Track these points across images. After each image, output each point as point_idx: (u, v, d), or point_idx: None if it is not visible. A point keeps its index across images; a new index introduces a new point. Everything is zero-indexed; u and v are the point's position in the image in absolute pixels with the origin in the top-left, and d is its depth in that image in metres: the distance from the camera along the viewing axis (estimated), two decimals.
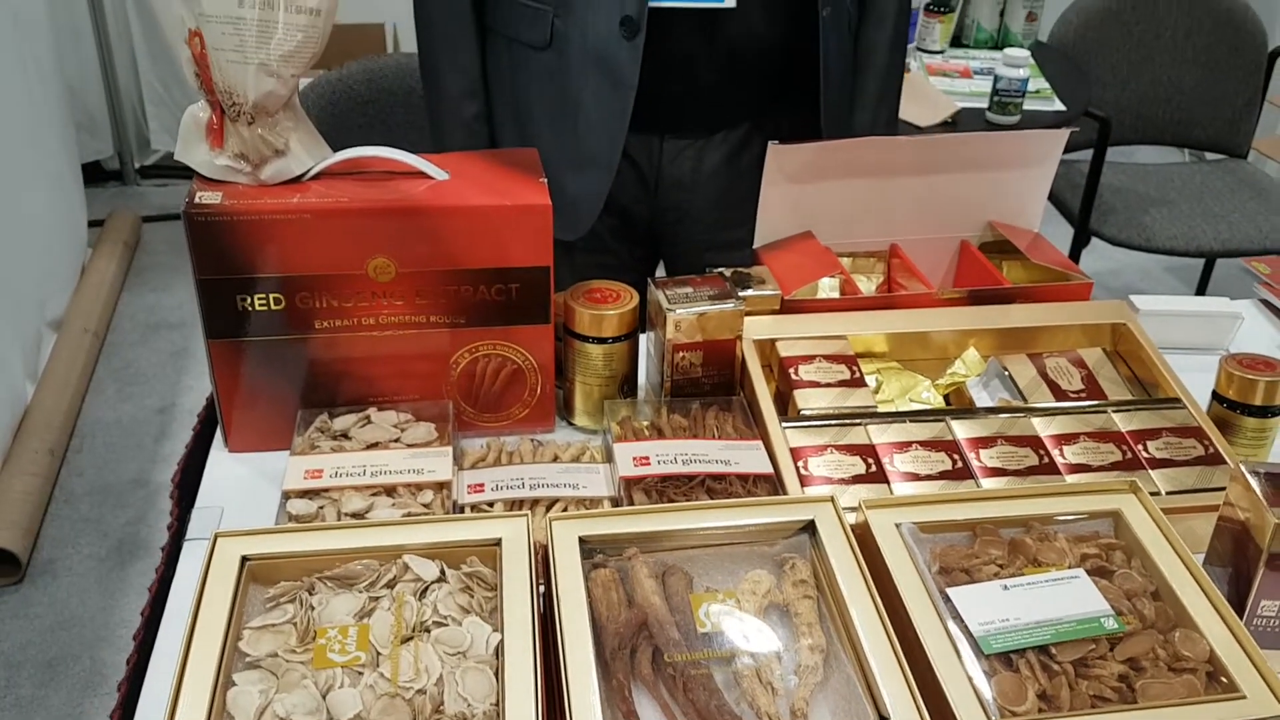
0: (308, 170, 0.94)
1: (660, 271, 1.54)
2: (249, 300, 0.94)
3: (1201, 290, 2.70)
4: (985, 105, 1.98)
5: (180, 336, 2.70)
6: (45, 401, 2.27)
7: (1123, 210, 2.30)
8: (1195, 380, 1.04)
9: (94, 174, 3.26)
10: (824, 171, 1.16)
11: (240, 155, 0.91)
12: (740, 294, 1.05)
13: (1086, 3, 2.40)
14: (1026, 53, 1.91)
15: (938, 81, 2.09)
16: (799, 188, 1.17)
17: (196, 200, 0.90)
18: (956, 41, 2.28)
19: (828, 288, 1.16)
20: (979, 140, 1.16)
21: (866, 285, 1.23)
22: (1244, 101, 2.47)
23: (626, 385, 1.07)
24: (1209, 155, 2.65)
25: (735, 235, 1.34)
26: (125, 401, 2.47)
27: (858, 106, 1.35)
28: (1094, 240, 2.31)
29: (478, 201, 0.95)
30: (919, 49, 2.21)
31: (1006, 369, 1.06)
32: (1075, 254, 2.32)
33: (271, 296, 0.94)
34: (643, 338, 1.09)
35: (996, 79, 1.91)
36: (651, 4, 1.18)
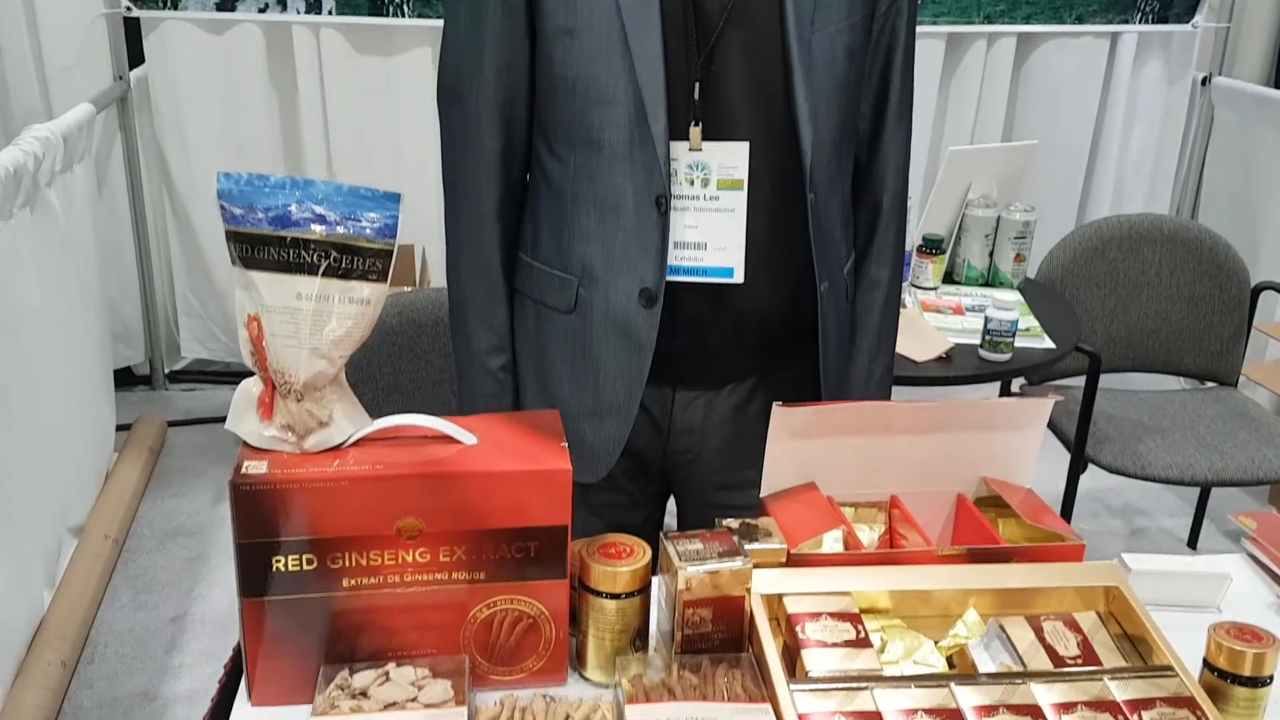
0: (348, 437, 1.02)
1: (671, 506, 1.60)
2: (283, 561, 0.99)
3: (1200, 511, 2.74)
4: (978, 341, 2.08)
5: (197, 543, 2.74)
6: (61, 611, 2.30)
7: (1117, 438, 2.37)
8: (1188, 640, 1.08)
9: (124, 378, 3.38)
10: (825, 429, 1.24)
11: (287, 427, 0.99)
12: (748, 548, 1.11)
13: (1071, 242, 2.55)
14: (1015, 296, 2.03)
15: (932, 318, 2.21)
16: (802, 444, 1.24)
17: (243, 470, 0.97)
18: (949, 278, 2.42)
19: (831, 541, 1.22)
20: (968, 406, 1.24)
21: (869, 535, 1.28)
22: (1230, 332, 2.58)
23: (639, 638, 1.12)
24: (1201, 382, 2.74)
25: (743, 476, 1.41)
26: (139, 610, 2.49)
27: (855, 363, 1.45)
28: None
29: (503, 467, 1.02)
30: (913, 285, 2.35)
31: (1005, 630, 1.10)
32: (1073, 479, 2.38)
33: (304, 557, 1.00)
34: (654, 580, 1.14)
35: (987, 320, 2.02)
36: (668, 278, 1.29)
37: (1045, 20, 3.26)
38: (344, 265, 0.96)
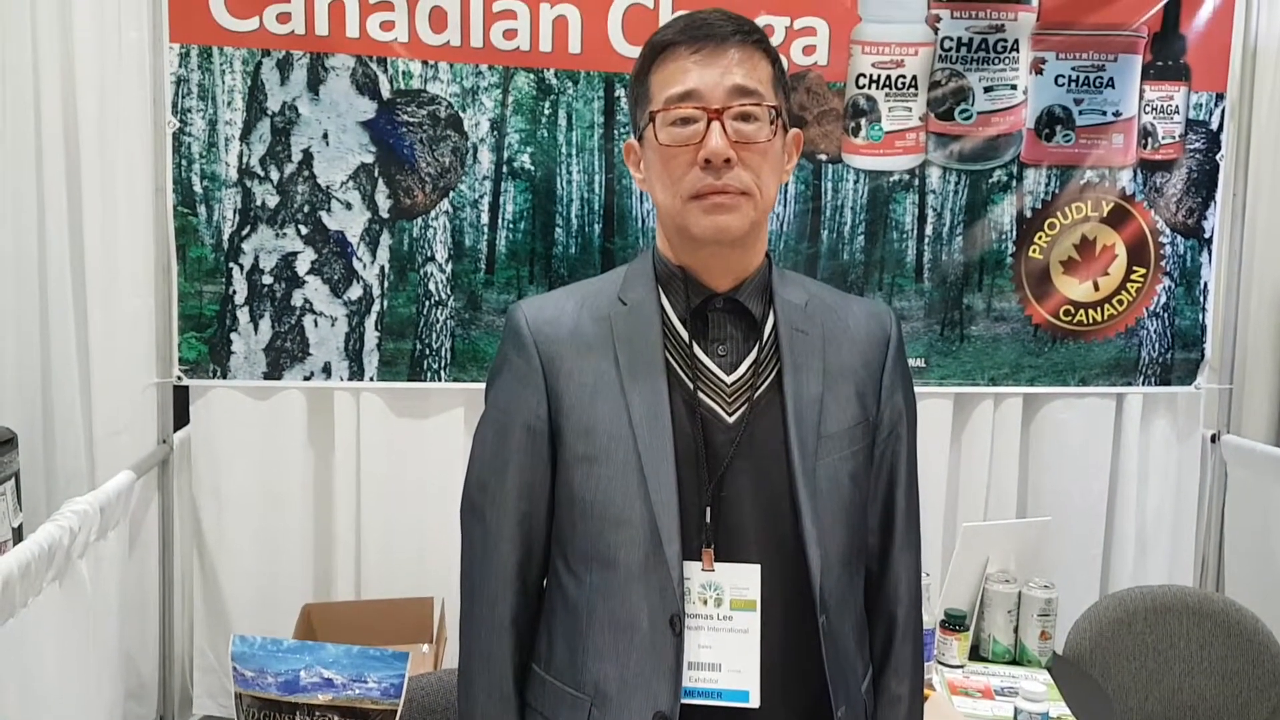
0: None
1: None
2: None
3: None
4: None
5: None
6: None
7: None
8: None
9: None
10: None
11: None
12: None
13: (1097, 614, 2.51)
14: (1043, 684, 1.99)
15: (961, 702, 2.14)
16: None
17: None
18: (974, 653, 2.37)
19: None
20: None
21: None
22: (1268, 713, 2.48)
23: None
24: None
25: None
26: None
27: None
28: None
29: None
30: (939, 663, 2.30)
31: None
32: None
33: None
34: None
35: (1017, 711, 1.96)
36: (683, 700, 1.28)
37: (1049, 383, 3.39)
38: None
